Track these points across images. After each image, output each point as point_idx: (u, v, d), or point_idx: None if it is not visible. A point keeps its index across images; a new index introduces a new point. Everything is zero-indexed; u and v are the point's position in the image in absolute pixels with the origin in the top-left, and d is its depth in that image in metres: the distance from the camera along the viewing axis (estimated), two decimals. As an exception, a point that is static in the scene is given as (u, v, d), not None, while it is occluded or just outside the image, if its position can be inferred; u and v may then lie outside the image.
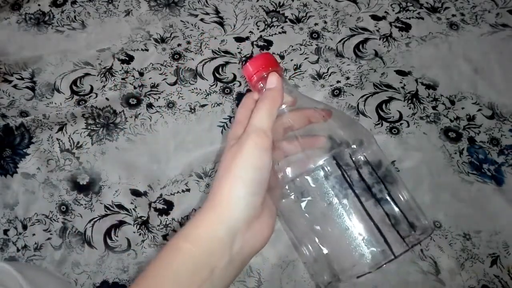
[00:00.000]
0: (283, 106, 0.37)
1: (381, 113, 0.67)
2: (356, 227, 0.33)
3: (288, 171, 0.35)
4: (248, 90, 0.69)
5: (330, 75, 0.70)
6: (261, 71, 0.37)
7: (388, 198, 0.34)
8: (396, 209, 0.34)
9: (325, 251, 0.35)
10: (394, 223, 0.33)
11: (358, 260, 0.33)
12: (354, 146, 0.35)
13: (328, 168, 0.34)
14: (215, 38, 0.74)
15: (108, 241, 0.60)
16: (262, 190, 0.33)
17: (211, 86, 0.70)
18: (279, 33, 0.75)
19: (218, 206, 0.33)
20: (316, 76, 0.70)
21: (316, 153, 0.35)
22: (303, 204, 0.35)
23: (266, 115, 0.34)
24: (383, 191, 0.34)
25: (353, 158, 0.34)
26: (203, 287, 0.31)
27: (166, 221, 0.61)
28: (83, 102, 0.69)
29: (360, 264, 0.33)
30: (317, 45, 0.73)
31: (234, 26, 0.76)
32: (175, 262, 0.32)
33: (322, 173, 0.34)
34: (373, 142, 0.37)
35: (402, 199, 0.35)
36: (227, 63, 0.72)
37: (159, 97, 0.69)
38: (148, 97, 0.69)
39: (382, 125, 0.66)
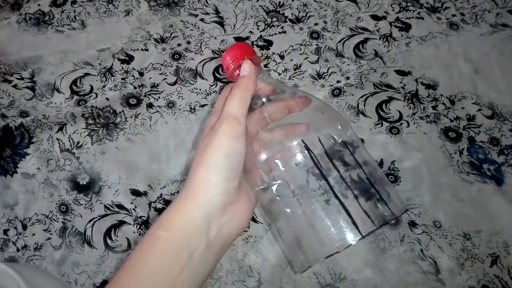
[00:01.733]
0: (263, 99, 0.38)
1: (381, 113, 0.67)
2: (323, 209, 0.33)
3: (261, 156, 0.35)
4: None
5: (330, 75, 0.70)
6: (237, 60, 0.38)
7: (357, 178, 0.34)
8: (366, 189, 0.34)
9: (296, 233, 0.35)
10: (363, 202, 0.33)
11: (326, 241, 0.33)
12: (327, 131, 0.35)
13: (297, 151, 0.34)
14: (215, 38, 0.74)
15: (108, 241, 0.60)
16: (236, 176, 0.34)
17: (211, 86, 0.70)
18: (279, 33, 0.75)
19: (193, 193, 0.34)
20: (316, 76, 0.70)
21: (287, 137, 0.36)
22: (273, 188, 0.35)
23: (238, 102, 0.35)
24: (352, 172, 0.34)
25: (323, 140, 0.35)
26: (183, 272, 0.32)
27: (166, 221, 0.61)
28: (83, 102, 0.69)
29: (328, 245, 0.33)
30: (317, 45, 0.73)
31: (234, 26, 0.76)
32: (153, 251, 0.33)
33: (291, 156, 0.34)
34: (348, 128, 0.37)
35: (373, 179, 0.35)
36: (227, 63, 0.72)
37: (159, 97, 0.69)
38: (148, 97, 0.69)
39: (382, 125, 0.66)
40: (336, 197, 0.33)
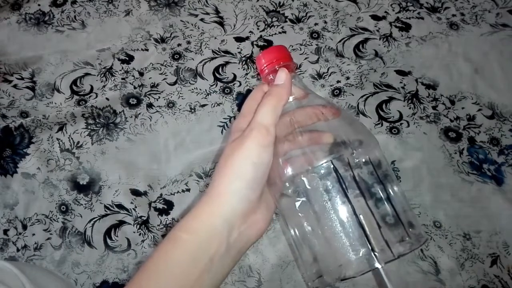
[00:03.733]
0: (291, 99, 0.37)
1: (381, 113, 0.67)
2: (345, 232, 0.33)
3: (287, 169, 0.35)
4: (248, 90, 0.69)
5: (330, 75, 0.70)
6: (273, 64, 0.37)
7: (382, 204, 0.34)
8: (389, 216, 0.33)
9: (313, 251, 0.35)
10: (384, 231, 0.33)
11: (343, 263, 0.33)
12: (355, 150, 0.35)
13: (325, 171, 0.34)
14: (215, 38, 0.74)
15: (108, 241, 0.60)
16: (260, 186, 0.34)
17: (211, 86, 0.70)
18: (279, 33, 0.75)
19: (216, 198, 0.33)
20: (316, 76, 0.70)
21: (316, 154, 0.35)
22: (297, 204, 0.35)
23: (271, 112, 0.34)
24: (378, 196, 0.34)
25: (352, 162, 0.34)
26: (203, 276, 0.32)
27: (166, 221, 0.61)
28: (83, 102, 0.69)
29: (345, 268, 0.33)
30: (317, 45, 0.73)
31: (234, 26, 0.76)
32: (174, 253, 0.33)
33: (318, 176, 0.34)
34: (375, 145, 0.36)
35: (397, 205, 0.34)
36: (227, 63, 0.72)
37: (159, 97, 0.69)
38: (148, 97, 0.69)
39: (382, 125, 0.66)
40: (359, 223, 0.32)
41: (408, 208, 0.36)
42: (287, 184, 0.35)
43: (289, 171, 0.35)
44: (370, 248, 0.32)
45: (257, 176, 0.33)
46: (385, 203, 0.34)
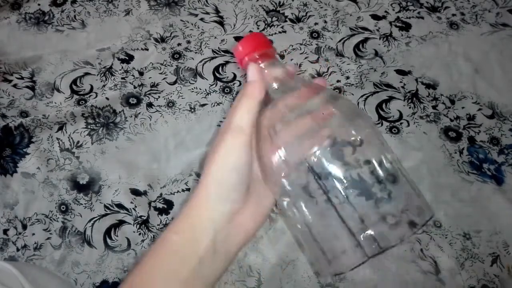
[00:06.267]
0: (276, 86, 0.36)
1: (381, 112, 0.67)
2: (332, 227, 0.32)
3: (280, 165, 0.34)
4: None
5: (330, 75, 0.70)
6: (249, 54, 0.36)
7: (371, 196, 0.33)
8: (373, 207, 0.32)
9: (309, 247, 0.35)
10: (369, 222, 0.32)
11: (332, 259, 0.33)
12: (350, 139, 0.34)
13: (314, 164, 0.33)
14: (215, 37, 0.74)
15: (108, 240, 0.60)
16: (241, 186, 0.34)
17: (211, 85, 0.70)
18: (279, 32, 0.75)
19: (199, 201, 0.34)
20: (316, 76, 0.70)
21: (308, 145, 0.33)
22: (292, 199, 0.34)
23: (245, 112, 0.33)
24: (374, 191, 0.33)
25: (346, 154, 0.33)
26: (193, 276, 0.32)
27: (166, 220, 0.61)
28: (83, 102, 0.69)
29: (335, 264, 0.33)
30: (317, 44, 0.73)
31: (234, 26, 0.76)
32: (163, 253, 0.34)
33: (297, 176, 0.33)
34: (366, 122, 0.35)
35: (396, 196, 0.33)
36: (227, 62, 0.72)
37: (159, 97, 0.69)
38: (148, 97, 0.69)
39: (382, 124, 0.66)
40: (340, 217, 0.32)
41: (414, 192, 0.34)
42: (282, 180, 0.34)
43: (281, 166, 0.34)
44: (357, 242, 0.32)
45: (235, 180, 0.33)
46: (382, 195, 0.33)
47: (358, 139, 0.34)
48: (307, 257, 0.36)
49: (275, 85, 0.36)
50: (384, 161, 0.35)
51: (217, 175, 0.33)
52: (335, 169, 0.32)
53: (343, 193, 0.32)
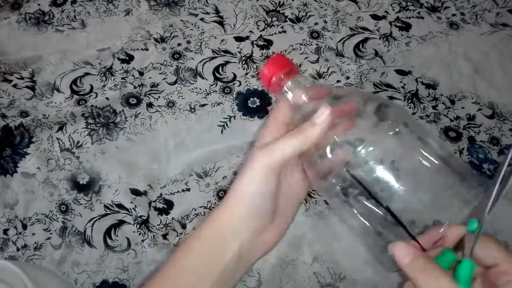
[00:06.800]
0: (306, 100, 0.36)
1: (381, 112, 0.67)
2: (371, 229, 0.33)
3: (324, 169, 0.34)
4: (248, 90, 0.69)
5: (330, 75, 0.70)
6: (276, 74, 0.36)
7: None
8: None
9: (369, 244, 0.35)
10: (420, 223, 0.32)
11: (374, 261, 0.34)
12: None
13: (341, 176, 0.33)
14: (215, 37, 0.74)
15: (108, 240, 0.60)
16: (266, 209, 0.34)
17: (211, 85, 0.70)
18: (279, 32, 0.75)
19: (226, 215, 0.34)
20: (316, 76, 0.70)
21: (343, 153, 0.33)
22: (335, 199, 0.34)
23: (290, 150, 0.32)
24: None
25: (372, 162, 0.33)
26: (217, 284, 0.33)
27: (166, 220, 0.61)
28: (83, 102, 0.69)
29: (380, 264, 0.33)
30: (317, 44, 0.73)
31: (234, 26, 0.76)
32: (186, 259, 0.34)
33: (341, 179, 0.33)
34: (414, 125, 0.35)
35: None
36: (227, 62, 0.72)
37: (159, 97, 0.69)
38: (148, 97, 0.69)
39: (382, 124, 0.66)
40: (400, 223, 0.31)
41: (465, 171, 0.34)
42: (333, 180, 0.34)
43: (324, 169, 0.34)
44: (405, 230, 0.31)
45: (263, 202, 0.33)
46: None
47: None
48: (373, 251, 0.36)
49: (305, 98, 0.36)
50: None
51: (241, 195, 0.33)
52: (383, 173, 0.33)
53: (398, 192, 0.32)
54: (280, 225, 0.36)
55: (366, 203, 0.33)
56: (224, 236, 0.34)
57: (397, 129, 0.33)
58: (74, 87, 0.70)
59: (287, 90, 0.37)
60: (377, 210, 0.32)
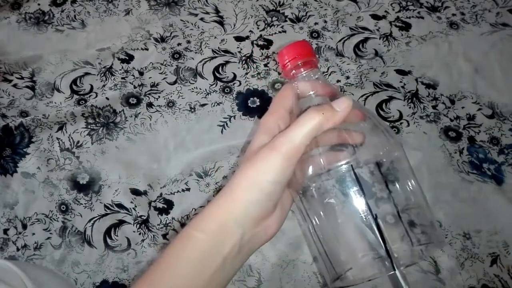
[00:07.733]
0: (312, 94, 0.36)
1: (381, 112, 0.67)
2: (359, 234, 0.33)
3: (309, 169, 0.34)
4: (248, 90, 0.69)
5: (330, 75, 0.70)
6: (295, 60, 0.36)
7: (401, 214, 0.33)
8: (410, 220, 0.33)
9: (327, 249, 0.35)
10: (404, 233, 0.32)
11: (354, 266, 0.33)
12: (379, 152, 0.34)
13: (343, 173, 0.33)
14: (215, 37, 0.74)
15: (108, 240, 0.60)
16: (277, 196, 0.34)
17: (211, 85, 0.70)
18: (279, 32, 0.75)
19: (230, 203, 0.34)
20: (316, 76, 0.70)
21: (337, 156, 0.34)
22: (315, 201, 0.34)
23: (308, 133, 0.32)
24: (392, 202, 0.33)
25: (373, 166, 0.34)
26: (216, 275, 0.33)
27: (166, 220, 0.61)
28: (83, 102, 0.69)
29: (356, 271, 0.33)
30: (317, 44, 0.73)
31: (234, 26, 0.76)
32: (186, 250, 0.33)
33: (336, 177, 0.34)
34: (399, 149, 0.36)
35: (416, 217, 0.34)
36: (227, 62, 0.72)
37: (159, 97, 0.69)
38: (148, 97, 0.69)
39: (382, 124, 0.66)
40: (377, 225, 0.32)
41: (427, 216, 0.35)
42: (307, 183, 0.35)
43: (310, 170, 0.34)
44: (386, 253, 0.31)
45: (275, 190, 0.33)
46: (405, 210, 0.33)
47: (385, 160, 0.34)
48: (317, 267, 0.36)
49: (311, 92, 0.36)
50: (409, 185, 0.35)
51: (256, 182, 0.33)
52: (359, 187, 0.33)
53: (365, 211, 0.32)
54: (281, 213, 0.36)
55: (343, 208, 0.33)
56: (226, 226, 0.33)
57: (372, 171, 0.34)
58: (74, 87, 0.71)
59: (300, 79, 0.36)
60: (361, 215, 0.33)
